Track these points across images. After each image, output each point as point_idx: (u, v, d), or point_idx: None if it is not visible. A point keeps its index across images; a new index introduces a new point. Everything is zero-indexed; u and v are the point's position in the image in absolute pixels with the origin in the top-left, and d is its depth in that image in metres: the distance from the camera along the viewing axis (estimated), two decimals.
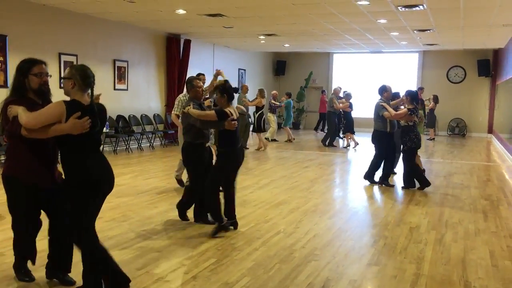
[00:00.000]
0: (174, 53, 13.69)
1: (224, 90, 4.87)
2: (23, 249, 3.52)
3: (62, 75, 3.16)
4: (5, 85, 8.93)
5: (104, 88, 11.48)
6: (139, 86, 12.85)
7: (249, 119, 12.46)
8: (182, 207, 5.43)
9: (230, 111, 4.86)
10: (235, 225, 5.19)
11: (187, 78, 5.53)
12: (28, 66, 3.16)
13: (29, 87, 3.15)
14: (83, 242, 3.25)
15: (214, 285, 3.72)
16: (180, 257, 4.31)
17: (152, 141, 12.85)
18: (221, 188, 5.17)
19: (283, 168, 9.73)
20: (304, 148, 13.34)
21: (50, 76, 3.28)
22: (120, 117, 11.82)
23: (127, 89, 12.35)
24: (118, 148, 11.60)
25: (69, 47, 10.39)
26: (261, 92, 12.59)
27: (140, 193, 6.94)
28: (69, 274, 3.61)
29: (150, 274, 3.91)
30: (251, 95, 14.31)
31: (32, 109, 3.02)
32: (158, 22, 11.78)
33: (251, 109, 13.26)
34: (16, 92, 3.13)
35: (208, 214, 5.25)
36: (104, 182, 3.25)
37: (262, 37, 14.06)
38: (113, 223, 5.35)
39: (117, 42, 11.92)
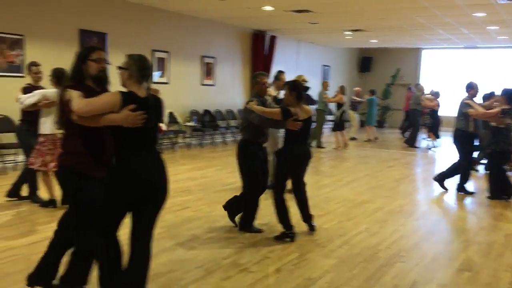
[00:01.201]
0: (259, 50, 13.88)
1: (294, 87, 4.58)
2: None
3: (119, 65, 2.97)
4: None
5: (192, 83, 11.97)
6: (225, 81, 13.18)
7: (325, 116, 12.27)
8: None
9: (296, 111, 4.51)
10: (312, 228, 4.92)
11: (256, 73, 5.21)
12: (87, 52, 3.07)
13: (87, 73, 3.03)
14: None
15: (298, 279, 3.74)
16: (263, 250, 4.38)
17: (236, 136, 13.14)
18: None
19: (366, 166, 9.51)
20: (388, 147, 12.93)
21: (110, 64, 3.18)
22: (206, 111, 12.21)
23: (214, 85, 12.73)
24: (203, 141, 12.01)
25: (161, 44, 10.90)
26: (341, 89, 12.39)
27: (225, 185, 7.13)
28: None
29: (235, 264, 4.02)
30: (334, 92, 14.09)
31: (89, 96, 2.89)
32: (245, 19, 12.01)
33: (332, 106, 13.12)
34: (74, 78, 3.06)
35: (253, 223, 4.96)
36: (147, 187, 2.88)
37: (348, 32, 13.81)
38: (199, 213, 5.56)
39: (206, 39, 12.31)
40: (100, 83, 3.07)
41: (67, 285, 3.21)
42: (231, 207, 5.07)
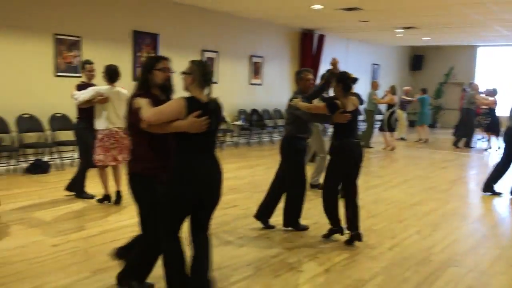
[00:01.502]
0: (307, 49, 13.81)
1: (340, 79, 4.45)
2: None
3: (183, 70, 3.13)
4: None
5: (240, 82, 12.07)
6: (273, 81, 13.21)
7: (375, 116, 11.98)
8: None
9: (343, 102, 4.40)
10: (358, 237, 4.50)
11: (299, 71, 5.18)
12: (153, 62, 3.19)
13: (153, 82, 3.16)
14: (161, 245, 3.11)
15: (347, 280, 3.71)
16: (312, 250, 4.36)
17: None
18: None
19: (417, 167, 9.27)
20: (441, 148, 12.53)
21: (174, 72, 3.30)
22: (254, 111, 12.28)
23: (261, 84, 12.78)
24: (250, 140, 12.09)
25: (211, 44, 11.06)
26: (392, 89, 12.01)
27: None
28: None
29: (283, 263, 4.03)
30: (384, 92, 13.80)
31: (155, 104, 3.03)
32: (293, 18, 11.98)
33: (382, 106, 12.83)
34: (141, 87, 3.19)
35: (299, 220, 4.92)
36: (207, 188, 3.04)
37: (399, 30, 13.49)
38: (248, 211, 5.59)
39: (254, 38, 12.38)
40: (165, 91, 3.21)
41: (127, 278, 3.32)
42: (262, 215, 5.02)
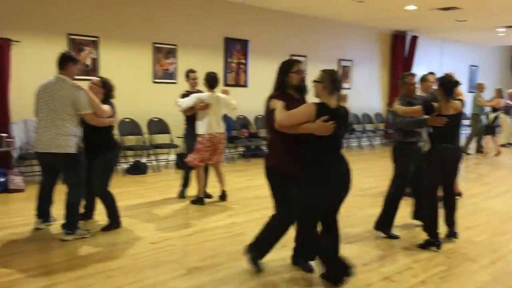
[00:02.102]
0: (399, 51, 13.36)
1: (442, 82, 4.40)
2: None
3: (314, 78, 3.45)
4: (245, 85, 10.07)
5: None
6: (362, 84, 12.93)
7: (481, 118, 11.22)
8: (383, 221, 4.91)
9: (440, 106, 4.35)
10: (454, 234, 4.67)
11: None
12: (288, 65, 3.53)
13: (289, 84, 3.50)
14: (303, 236, 3.54)
15: None
16: (406, 259, 4.20)
17: (372, 140, 12.84)
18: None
19: None
20: None
21: (307, 74, 3.63)
22: None
23: (350, 88, 12.58)
24: None
25: (299, 49, 11.09)
26: (498, 92, 11.25)
27: (362, 191, 7.00)
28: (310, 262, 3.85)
29: (376, 271, 3.92)
30: (487, 94, 12.88)
31: (290, 104, 3.37)
32: (384, 20, 11.65)
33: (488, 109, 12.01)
34: (278, 89, 3.54)
35: (391, 226, 4.81)
36: (340, 184, 3.41)
37: (501, 29, 12.59)
38: (349, 218, 5.51)
39: (343, 42, 12.22)
40: (299, 92, 3.57)
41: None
42: (381, 225, 4.90)
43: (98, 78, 4.83)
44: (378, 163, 9.87)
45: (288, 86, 3.52)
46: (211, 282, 3.59)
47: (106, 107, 4.55)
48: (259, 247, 3.74)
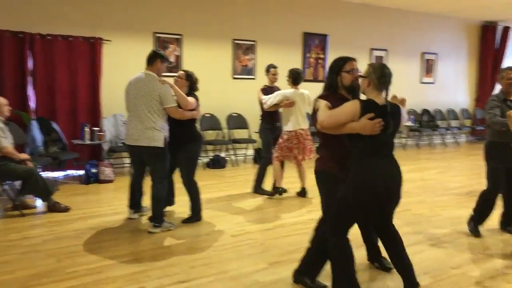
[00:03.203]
0: (489, 43, 12.53)
1: None
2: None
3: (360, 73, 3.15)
4: (323, 80, 9.94)
5: (410, 81, 11.50)
6: (447, 79, 12.30)
7: None
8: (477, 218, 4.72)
9: None
10: None
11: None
12: (340, 64, 3.19)
13: (341, 84, 3.17)
14: (329, 244, 3.10)
15: None
16: (498, 263, 3.93)
17: (457, 137, 12.19)
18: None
19: None
20: None
21: (360, 72, 3.23)
22: (425, 111, 11.60)
23: (434, 82, 12.01)
24: (420, 142, 11.46)
25: (380, 42, 10.76)
26: None
27: (448, 190, 6.67)
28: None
29: (465, 275, 3.71)
30: None
31: (341, 104, 3.02)
32: (473, 10, 10.97)
33: None
34: (328, 89, 3.22)
35: (479, 226, 4.59)
36: (382, 192, 2.98)
37: None
38: (420, 217, 5.30)
39: (426, 34, 11.67)
40: (352, 92, 3.20)
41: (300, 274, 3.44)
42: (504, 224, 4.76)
43: (182, 72, 4.98)
44: (464, 162, 9.35)
45: (339, 86, 3.18)
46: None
47: (191, 99, 4.69)
48: (309, 271, 3.41)
